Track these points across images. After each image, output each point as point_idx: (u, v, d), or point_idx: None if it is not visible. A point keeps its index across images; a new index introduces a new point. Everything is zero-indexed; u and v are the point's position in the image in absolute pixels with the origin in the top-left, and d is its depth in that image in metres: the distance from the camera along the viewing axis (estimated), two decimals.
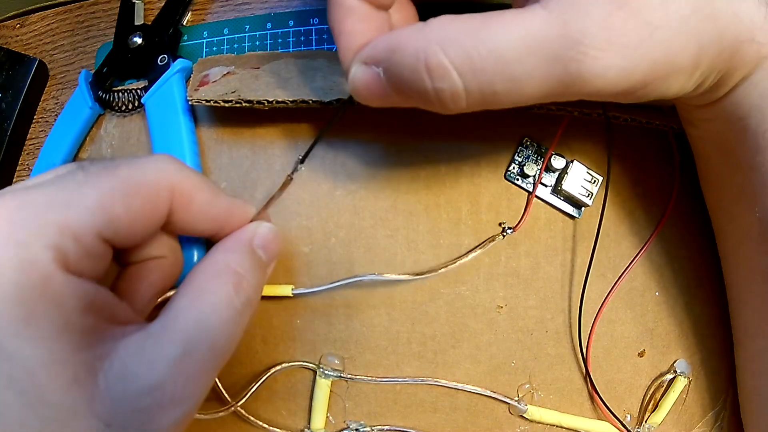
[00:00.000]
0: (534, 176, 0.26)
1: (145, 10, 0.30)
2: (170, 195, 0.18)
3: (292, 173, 0.23)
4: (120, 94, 0.28)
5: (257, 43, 0.30)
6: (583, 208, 0.26)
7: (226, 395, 0.24)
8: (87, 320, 0.15)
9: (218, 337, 0.17)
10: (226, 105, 0.24)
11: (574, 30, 0.16)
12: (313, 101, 0.23)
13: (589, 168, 0.26)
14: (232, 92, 0.24)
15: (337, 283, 0.24)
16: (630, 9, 0.16)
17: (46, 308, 0.14)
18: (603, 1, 0.16)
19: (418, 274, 0.25)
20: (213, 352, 0.17)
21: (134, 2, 0.29)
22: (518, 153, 0.26)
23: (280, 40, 0.30)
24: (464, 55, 0.16)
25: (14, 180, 0.30)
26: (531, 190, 0.26)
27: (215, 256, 0.19)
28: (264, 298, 0.25)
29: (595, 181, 0.26)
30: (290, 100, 0.23)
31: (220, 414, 0.24)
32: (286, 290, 0.25)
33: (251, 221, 0.21)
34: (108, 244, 0.17)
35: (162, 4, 0.29)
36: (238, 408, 0.24)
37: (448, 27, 0.17)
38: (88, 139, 0.28)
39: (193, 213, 0.19)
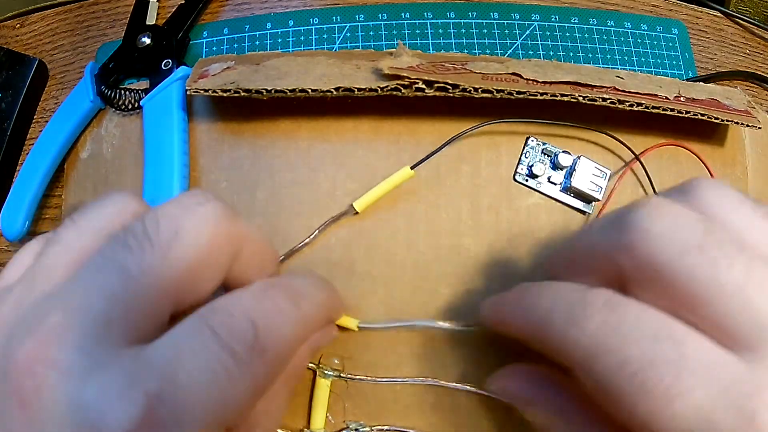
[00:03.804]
0: (543, 176, 0.26)
1: (159, 9, 0.30)
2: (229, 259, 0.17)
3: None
4: (123, 92, 0.28)
5: (257, 43, 0.30)
6: (593, 203, 0.26)
7: None
8: None
9: None
10: (225, 95, 0.24)
11: None
12: (312, 90, 0.23)
13: (597, 163, 0.26)
14: (231, 83, 0.24)
15: (397, 323, 0.24)
16: None
17: None
18: None
19: (468, 325, 0.24)
20: None
21: (149, 0, 0.29)
22: (525, 154, 0.26)
23: (280, 40, 0.30)
24: None
25: (14, 179, 0.30)
26: (540, 190, 0.26)
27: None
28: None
29: (603, 174, 0.26)
30: (289, 89, 0.23)
31: None
32: (352, 324, 0.24)
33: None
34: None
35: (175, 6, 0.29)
36: None
37: None
38: (88, 136, 0.28)
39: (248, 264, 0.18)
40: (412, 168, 0.25)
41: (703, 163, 0.27)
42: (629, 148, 0.26)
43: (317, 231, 0.25)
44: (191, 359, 0.13)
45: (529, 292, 0.19)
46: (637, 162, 0.26)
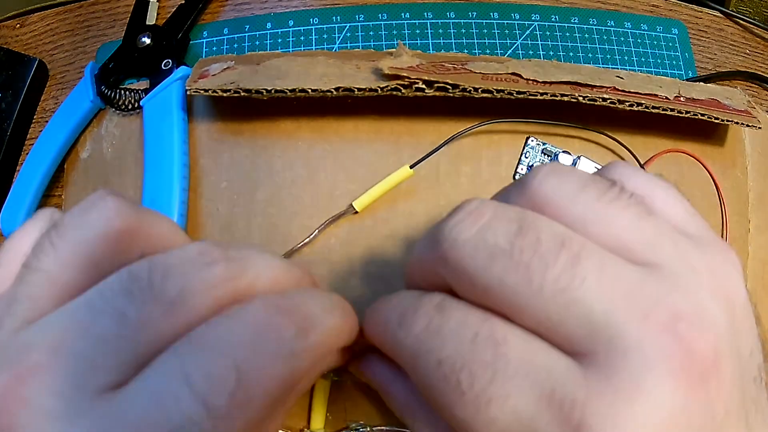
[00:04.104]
0: None
1: (159, 9, 0.30)
2: None
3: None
4: (123, 92, 0.28)
5: (257, 43, 0.30)
6: None
7: None
8: None
9: None
10: (225, 95, 0.24)
11: None
12: (312, 90, 0.23)
13: (596, 162, 0.26)
14: (231, 83, 0.24)
15: None
16: None
17: None
18: None
19: None
20: None
21: (149, 0, 0.29)
22: (525, 154, 0.26)
23: (280, 40, 0.30)
24: None
25: (14, 180, 0.30)
26: None
27: None
28: None
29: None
30: (289, 89, 0.23)
31: None
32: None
33: None
34: None
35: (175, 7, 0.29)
36: None
37: None
38: (88, 136, 0.28)
39: None
40: (411, 167, 0.25)
41: (705, 167, 0.27)
42: (629, 150, 0.26)
43: (317, 231, 0.25)
44: (161, 413, 0.12)
45: (379, 302, 0.18)
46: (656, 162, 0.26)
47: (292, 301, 0.14)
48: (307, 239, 0.25)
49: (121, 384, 0.12)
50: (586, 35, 0.31)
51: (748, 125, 0.25)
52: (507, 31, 0.31)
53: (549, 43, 0.31)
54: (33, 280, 0.14)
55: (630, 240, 0.13)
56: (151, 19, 0.29)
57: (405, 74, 0.23)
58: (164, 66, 0.27)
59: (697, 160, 0.27)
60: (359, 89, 0.23)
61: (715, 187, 0.27)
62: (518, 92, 0.23)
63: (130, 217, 0.14)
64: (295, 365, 0.13)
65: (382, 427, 0.25)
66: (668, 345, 0.12)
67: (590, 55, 0.31)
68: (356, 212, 0.25)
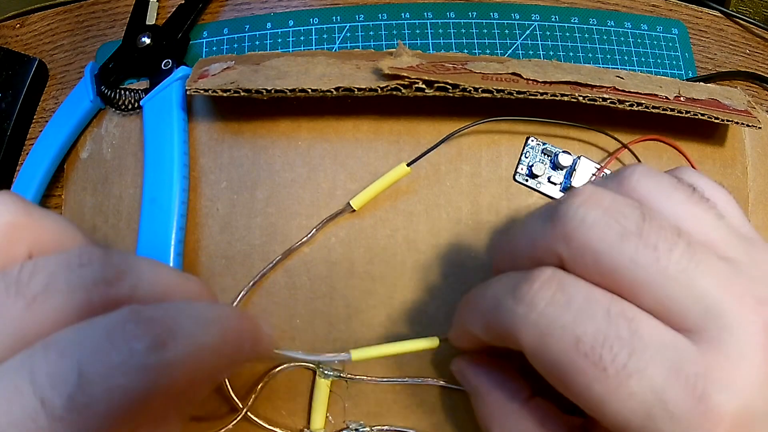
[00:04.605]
0: (543, 176, 0.26)
1: (159, 9, 0.30)
2: None
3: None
4: (123, 92, 0.28)
5: (257, 43, 0.30)
6: None
7: (236, 400, 0.24)
8: None
9: None
10: (225, 95, 0.24)
11: None
12: (312, 90, 0.23)
13: (596, 162, 0.26)
14: (231, 83, 0.24)
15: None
16: None
17: None
18: None
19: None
20: None
21: (149, 0, 0.29)
22: (525, 154, 0.26)
23: (280, 40, 0.30)
24: None
25: (14, 180, 0.30)
26: (541, 190, 0.26)
27: None
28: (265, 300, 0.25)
29: (603, 175, 0.26)
30: (289, 89, 0.23)
31: (234, 423, 0.24)
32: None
33: None
34: None
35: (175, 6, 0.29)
36: (248, 413, 0.24)
37: None
38: (88, 137, 0.28)
39: None
40: (408, 165, 0.25)
41: (687, 159, 0.27)
42: (630, 150, 0.26)
43: (314, 230, 0.25)
44: (4, 404, 0.11)
45: (477, 289, 0.18)
46: (631, 155, 0.26)
47: (159, 312, 0.13)
48: (305, 238, 0.25)
49: None
50: (586, 35, 0.31)
51: (748, 125, 0.25)
52: (507, 31, 0.31)
53: (549, 43, 0.31)
54: None
55: (712, 237, 0.15)
56: (151, 19, 0.29)
57: (405, 74, 0.23)
58: (164, 66, 0.27)
59: (677, 149, 0.26)
60: (359, 89, 0.23)
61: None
62: (518, 92, 0.23)
63: (19, 214, 0.14)
64: (146, 378, 0.12)
65: (382, 427, 0.25)
66: (756, 323, 0.14)
67: (590, 55, 0.31)
68: (353, 210, 0.25)
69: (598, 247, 0.14)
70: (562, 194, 0.26)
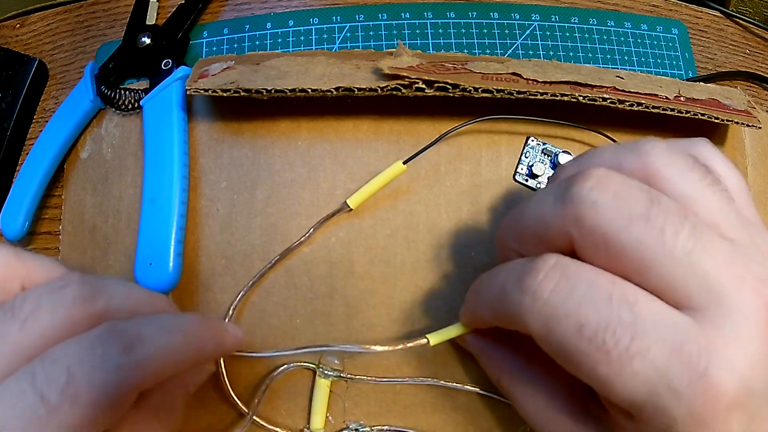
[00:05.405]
0: (543, 176, 0.26)
1: (159, 9, 0.30)
2: None
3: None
4: (123, 92, 0.28)
5: (257, 43, 0.30)
6: None
7: (241, 405, 0.24)
8: None
9: None
10: (225, 94, 0.24)
11: None
12: (312, 90, 0.23)
13: None
14: (231, 83, 0.24)
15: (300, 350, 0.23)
16: None
17: None
18: None
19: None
20: None
21: (149, 0, 0.29)
22: (525, 154, 0.26)
23: (280, 40, 0.30)
24: None
25: (14, 180, 0.30)
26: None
27: None
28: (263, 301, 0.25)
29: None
30: (289, 89, 0.23)
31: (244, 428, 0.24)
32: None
33: None
34: None
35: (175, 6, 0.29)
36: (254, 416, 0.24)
37: None
38: (88, 137, 0.28)
39: None
40: (404, 163, 0.24)
41: None
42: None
43: (312, 229, 0.25)
44: (12, 403, 0.14)
45: (485, 278, 0.19)
46: None
47: (129, 324, 0.17)
48: (303, 238, 0.25)
49: None
50: (586, 35, 0.31)
51: (748, 125, 0.25)
52: (507, 31, 0.31)
53: (549, 43, 0.31)
54: None
55: (719, 218, 0.16)
56: (151, 19, 0.29)
57: (405, 74, 0.23)
58: (164, 66, 0.27)
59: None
60: (359, 89, 0.23)
61: None
62: (518, 92, 0.23)
63: (10, 258, 0.18)
64: (122, 375, 0.16)
65: (382, 427, 0.25)
66: (756, 302, 0.14)
67: (590, 55, 0.31)
68: (350, 209, 0.25)
69: (607, 230, 0.15)
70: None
